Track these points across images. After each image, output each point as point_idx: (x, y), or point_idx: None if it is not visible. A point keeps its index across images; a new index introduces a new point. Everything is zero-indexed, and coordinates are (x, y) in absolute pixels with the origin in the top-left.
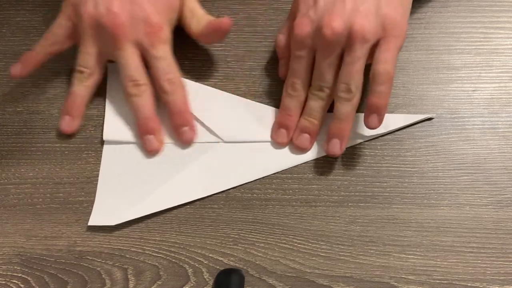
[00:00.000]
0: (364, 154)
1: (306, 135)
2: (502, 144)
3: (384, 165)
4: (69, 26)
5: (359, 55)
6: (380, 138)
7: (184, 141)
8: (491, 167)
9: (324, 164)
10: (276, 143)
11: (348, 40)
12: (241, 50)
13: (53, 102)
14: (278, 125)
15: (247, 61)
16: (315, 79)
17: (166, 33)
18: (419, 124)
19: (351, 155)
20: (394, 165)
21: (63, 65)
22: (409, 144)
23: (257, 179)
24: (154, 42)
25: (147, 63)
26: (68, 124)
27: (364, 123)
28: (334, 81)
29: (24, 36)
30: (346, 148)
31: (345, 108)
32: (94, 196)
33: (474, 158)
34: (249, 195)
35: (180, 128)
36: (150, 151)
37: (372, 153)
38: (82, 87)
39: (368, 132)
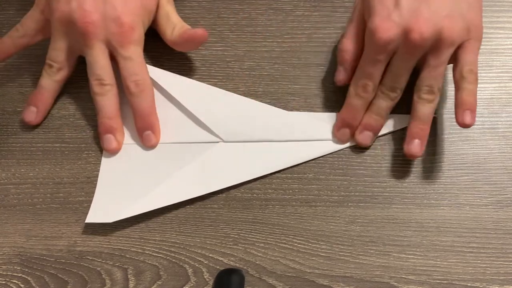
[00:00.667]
0: (364, 154)
1: (369, 133)
2: (502, 144)
3: (384, 165)
4: (41, 19)
5: (445, 59)
6: (380, 138)
7: (146, 145)
8: (491, 167)
9: (324, 164)
10: (338, 141)
11: (435, 44)
12: (241, 50)
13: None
14: (342, 124)
15: (247, 61)
16: (389, 80)
17: (137, 34)
18: None
19: (351, 155)
20: (394, 165)
21: None
22: None
23: (257, 179)
24: (123, 42)
25: (116, 63)
26: (33, 115)
27: (458, 121)
28: (405, 82)
29: None
30: (346, 148)
31: (427, 109)
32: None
33: (474, 158)
34: (249, 195)
35: (143, 132)
36: (108, 150)
37: (372, 153)
38: (50, 81)
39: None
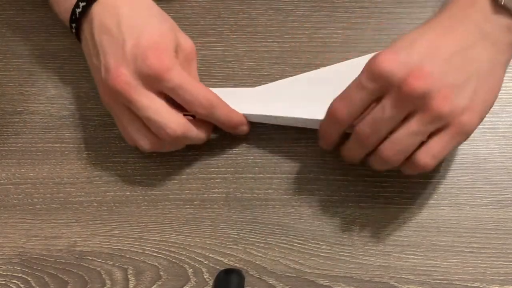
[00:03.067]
0: None
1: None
2: (502, 144)
3: None
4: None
5: (426, 130)
6: None
7: (243, 134)
8: (491, 167)
9: (324, 164)
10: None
11: (422, 107)
12: (241, 50)
13: (53, 102)
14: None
15: (247, 61)
16: (367, 125)
17: (168, 57)
18: None
19: None
20: None
21: (63, 65)
22: None
23: (257, 179)
24: (158, 74)
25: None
26: None
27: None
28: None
29: (24, 36)
30: None
31: (384, 168)
32: (94, 196)
33: (474, 158)
34: (249, 195)
35: (235, 130)
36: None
37: None
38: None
39: None
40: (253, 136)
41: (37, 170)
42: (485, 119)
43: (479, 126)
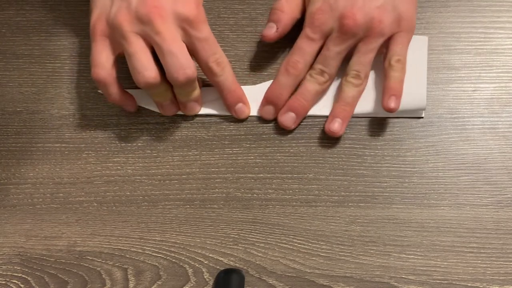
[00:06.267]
0: (364, 154)
1: (293, 114)
2: (502, 144)
3: (384, 165)
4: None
5: (373, 47)
6: (380, 138)
7: (240, 117)
8: (491, 167)
9: (324, 164)
10: (262, 118)
11: (366, 32)
12: (241, 50)
13: (53, 102)
14: (267, 101)
15: (247, 61)
16: (319, 63)
17: (203, 11)
18: (419, 124)
19: (351, 155)
20: (394, 165)
21: (63, 65)
22: (409, 144)
23: (257, 179)
24: (195, 23)
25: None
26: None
27: (383, 105)
28: (335, 69)
29: (24, 36)
30: (346, 148)
31: (353, 92)
32: (94, 196)
33: (474, 158)
34: (249, 195)
35: (235, 106)
36: (242, 117)
37: (372, 153)
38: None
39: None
40: (253, 136)
41: (37, 170)
42: (485, 119)
43: (479, 126)
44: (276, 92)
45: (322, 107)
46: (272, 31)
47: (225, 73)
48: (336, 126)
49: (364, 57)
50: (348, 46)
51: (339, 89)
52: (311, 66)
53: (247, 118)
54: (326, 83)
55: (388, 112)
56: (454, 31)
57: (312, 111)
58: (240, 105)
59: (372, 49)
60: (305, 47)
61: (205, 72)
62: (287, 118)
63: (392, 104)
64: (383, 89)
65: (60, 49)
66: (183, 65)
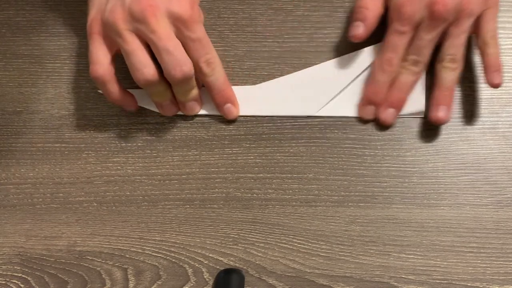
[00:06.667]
0: (364, 154)
1: (393, 110)
2: (502, 144)
3: (384, 165)
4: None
5: (465, 28)
6: (380, 138)
7: (229, 117)
8: (491, 167)
9: (324, 164)
10: (363, 118)
11: (456, 15)
12: (241, 50)
13: (53, 102)
14: (367, 101)
15: (247, 61)
16: (412, 53)
17: (198, 11)
18: (419, 124)
19: (351, 155)
20: (394, 165)
21: (63, 65)
22: (409, 144)
23: (257, 179)
24: (188, 23)
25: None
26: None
27: (488, 81)
28: (428, 57)
29: (24, 36)
30: (346, 148)
31: (452, 76)
32: (94, 196)
33: (474, 158)
34: (249, 195)
35: (223, 106)
36: (231, 118)
37: (372, 153)
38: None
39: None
40: (253, 136)
41: (37, 170)
42: (485, 119)
43: (479, 126)
44: (375, 91)
45: (339, 107)
46: (360, 30)
47: (216, 73)
48: (442, 113)
49: (458, 39)
50: (440, 31)
51: (436, 76)
52: (403, 58)
53: (236, 118)
54: (421, 72)
55: (493, 87)
56: None
57: (330, 112)
58: (228, 105)
59: (464, 30)
60: (397, 41)
61: (196, 72)
62: (388, 115)
63: (497, 79)
64: (484, 66)
65: (60, 49)
66: (179, 62)
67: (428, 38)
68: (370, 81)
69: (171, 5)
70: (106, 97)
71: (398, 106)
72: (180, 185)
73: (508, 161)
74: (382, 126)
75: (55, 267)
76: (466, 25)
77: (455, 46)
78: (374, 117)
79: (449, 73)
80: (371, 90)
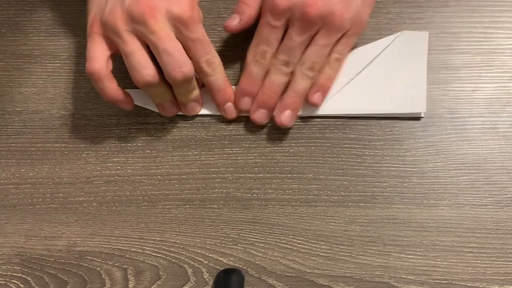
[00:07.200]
0: (364, 154)
1: (264, 111)
2: (502, 144)
3: (384, 165)
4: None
5: (331, 42)
6: (380, 138)
7: (229, 117)
8: (491, 167)
9: (323, 164)
10: (240, 111)
11: (325, 25)
12: (241, 50)
13: (53, 102)
14: (244, 93)
15: None
16: (283, 54)
17: (198, 11)
18: (419, 124)
19: (351, 155)
20: (394, 165)
21: (63, 65)
22: (409, 144)
23: (257, 179)
24: (189, 23)
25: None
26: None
27: (309, 99)
28: (299, 59)
29: (24, 36)
30: (346, 148)
31: (306, 84)
32: (94, 196)
33: (474, 158)
34: (249, 195)
35: (224, 105)
36: (231, 118)
37: (372, 153)
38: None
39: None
40: (253, 136)
41: (36, 170)
42: (485, 119)
43: (479, 126)
44: (250, 83)
45: (337, 105)
46: (234, 22)
47: (216, 73)
48: (285, 118)
49: (322, 50)
50: (310, 35)
51: (292, 78)
52: (274, 55)
53: (236, 117)
54: (291, 73)
55: (312, 105)
56: (454, 31)
57: (328, 111)
58: (229, 104)
59: (329, 43)
60: (269, 35)
61: (197, 72)
62: (260, 115)
63: (315, 98)
64: (315, 83)
65: (60, 49)
66: (179, 63)
67: (298, 41)
68: (244, 72)
69: (171, 5)
70: (101, 94)
71: (270, 106)
72: (180, 185)
73: (508, 161)
74: (382, 126)
75: (55, 267)
76: (333, 39)
77: (318, 55)
78: (249, 107)
79: (305, 80)
80: (246, 82)
